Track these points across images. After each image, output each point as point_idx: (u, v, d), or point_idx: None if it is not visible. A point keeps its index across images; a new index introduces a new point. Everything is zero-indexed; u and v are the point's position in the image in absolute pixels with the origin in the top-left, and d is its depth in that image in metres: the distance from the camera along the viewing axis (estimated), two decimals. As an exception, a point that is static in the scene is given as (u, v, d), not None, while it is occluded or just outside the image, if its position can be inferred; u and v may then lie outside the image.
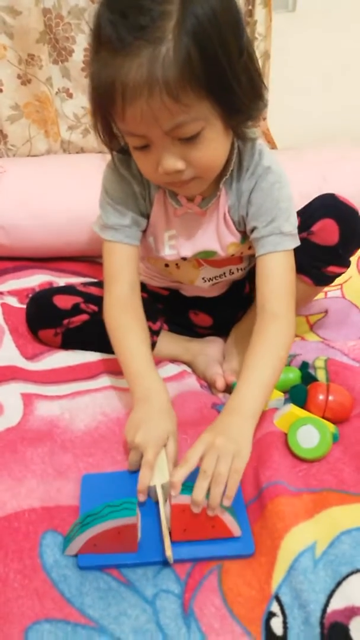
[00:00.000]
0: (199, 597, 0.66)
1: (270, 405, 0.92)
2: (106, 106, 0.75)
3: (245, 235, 0.95)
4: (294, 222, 0.91)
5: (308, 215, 0.98)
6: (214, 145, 0.78)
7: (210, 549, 0.70)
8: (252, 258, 1.03)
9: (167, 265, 1.03)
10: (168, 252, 0.97)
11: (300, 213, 0.99)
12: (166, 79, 0.69)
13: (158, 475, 0.77)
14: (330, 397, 0.89)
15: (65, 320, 1.04)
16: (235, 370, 1.02)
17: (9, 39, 1.37)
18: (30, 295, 1.13)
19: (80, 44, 1.41)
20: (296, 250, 0.94)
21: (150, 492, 0.75)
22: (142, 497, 0.75)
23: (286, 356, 0.87)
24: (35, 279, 1.30)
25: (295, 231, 0.91)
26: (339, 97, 1.64)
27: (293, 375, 0.97)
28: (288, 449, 0.83)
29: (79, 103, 1.49)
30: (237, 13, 0.75)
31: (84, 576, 0.67)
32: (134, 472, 0.79)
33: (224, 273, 1.03)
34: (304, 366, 0.99)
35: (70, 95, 1.48)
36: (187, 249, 0.96)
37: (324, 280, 1.03)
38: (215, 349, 1.09)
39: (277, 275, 0.89)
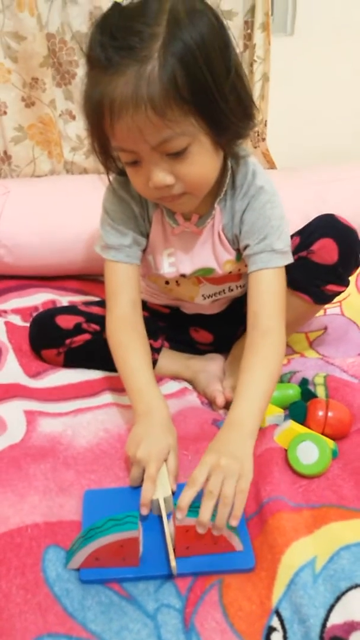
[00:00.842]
0: (200, 611, 0.66)
1: (270, 421, 0.93)
2: (98, 123, 0.78)
3: (240, 253, 0.97)
4: (285, 240, 0.92)
5: (307, 235, 1.00)
6: (202, 161, 0.81)
7: (211, 563, 0.71)
8: None
9: (167, 282, 1.04)
10: (167, 270, 0.99)
11: (299, 232, 1.01)
12: (151, 95, 0.72)
13: (160, 489, 0.78)
14: (330, 414, 0.90)
15: (68, 340, 1.05)
16: (235, 388, 1.03)
17: (14, 63, 1.41)
18: (32, 316, 1.15)
19: (84, 67, 1.43)
20: (296, 269, 0.96)
21: (153, 505, 0.76)
22: (145, 511, 0.76)
23: (279, 371, 0.89)
24: (38, 298, 1.32)
25: (287, 249, 0.93)
26: (337, 118, 1.67)
27: (293, 392, 0.98)
28: (288, 465, 0.84)
29: (82, 125, 1.48)
30: (226, 34, 0.78)
31: (86, 590, 0.68)
32: (136, 487, 0.80)
33: (223, 290, 1.05)
34: (304, 383, 1.00)
35: (73, 117, 1.51)
36: (186, 267, 0.98)
37: (324, 298, 1.05)
38: (215, 366, 1.10)
39: (268, 291, 0.91)
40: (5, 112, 1.46)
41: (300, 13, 1.53)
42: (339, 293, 1.05)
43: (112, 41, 0.73)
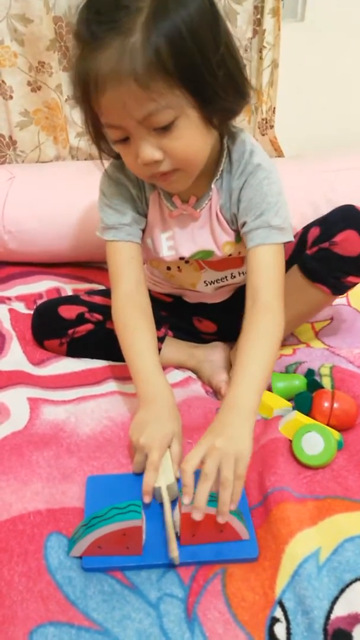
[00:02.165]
0: (203, 601, 0.66)
1: (275, 412, 0.92)
2: (85, 101, 0.78)
3: (239, 234, 0.95)
4: (283, 217, 0.90)
5: (329, 226, 0.98)
6: (190, 135, 0.79)
7: (214, 552, 0.70)
8: None
9: (169, 268, 1.04)
10: (166, 253, 0.98)
11: (319, 223, 1.00)
12: (134, 67, 0.72)
13: (163, 476, 0.77)
14: (335, 405, 0.89)
15: (70, 330, 1.05)
16: None
17: (20, 46, 1.39)
18: (36, 304, 1.14)
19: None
20: (315, 260, 0.97)
21: (155, 493, 0.75)
22: (147, 499, 0.75)
23: (278, 348, 0.86)
24: (43, 285, 1.31)
25: (286, 226, 0.90)
26: (347, 106, 1.65)
27: (299, 383, 0.97)
28: (293, 455, 0.83)
29: (88, 110, 1.50)
30: (215, 10, 0.78)
31: (88, 578, 0.68)
32: (139, 474, 0.80)
33: (225, 277, 1.04)
34: (310, 373, 0.99)
35: (79, 103, 1.50)
36: (185, 249, 0.97)
37: (342, 290, 1.03)
38: (220, 355, 1.09)
39: (266, 267, 0.89)
40: (11, 97, 1.44)
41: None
42: (356, 284, 1.03)
43: (96, 16, 0.72)
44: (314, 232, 1.00)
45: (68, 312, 1.06)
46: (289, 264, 1.01)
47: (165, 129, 0.77)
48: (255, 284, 0.88)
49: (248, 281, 0.89)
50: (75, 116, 1.51)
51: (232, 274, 1.04)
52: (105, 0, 0.73)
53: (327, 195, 1.37)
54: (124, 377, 1.00)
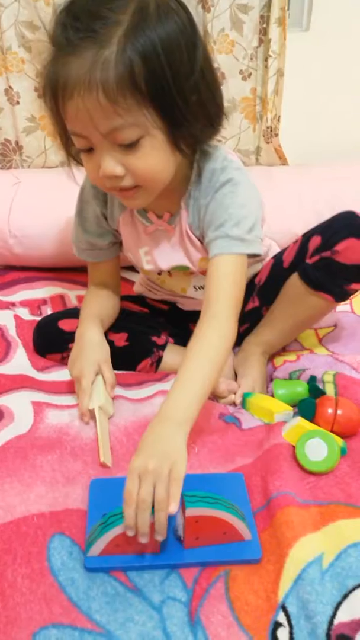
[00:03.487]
0: (206, 605, 0.66)
1: (278, 418, 0.92)
2: (52, 104, 0.77)
3: None
4: (246, 228, 0.88)
5: (330, 234, 0.97)
6: (154, 155, 0.79)
7: (217, 553, 0.70)
8: None
9: (159, 273, 1.05)
10: (146, 266, 1.01)
11: (319, 232, 0.99)
12: (104, 79, 0.71)
13: (95, 397, 0.90)
14: (339, 411, 0.89)
15: (71, 344, 1.03)
16: (250, 387, 1.02)
17: (27, 52, 1.40)
18: (39, 310, 1.17)
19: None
20: (317, 269, 0.97)
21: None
22: (85, 419, 0.89)
23: (220, 360, 0.84)
24: (47, 291, 1.32)
25: (248, 237, 0.88)
26: (352, 114, 1.65)
27: (301, 389, 0.98)
28: (296, 461, 0.83)
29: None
30: (196, 35, 0.77)
31: (91, 580, 0.68)
32: None
33: None
34: (312, 380, 0.99)
35: (85, 109, 1.51)
36: (163, 263, 1.00)
37: (345, 297, 1.03)
38: None
39: (221, 277, 0.87)
40: (17, 102, 1.45)
41: (316, 9, 1.51)
42: (355, 291, 1.03)
43: (74, 22, 0.72)
44: (315, 240, 0.99)
45: (68, 325, 1.07)
46: (288, 272, 1.02)
47: (129, 146, 0.77)
48: (208, 293, 0.87)
49: (205, 291, 0.89)
50: (82, 122, 1.52)
51: None
52: (85, 7, 0.73)
53: (331, 203, 1.37)
54: (127, 383, 1.01)
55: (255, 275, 1.10)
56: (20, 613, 0.64)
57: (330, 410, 0.89)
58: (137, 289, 1.20)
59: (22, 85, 1.44)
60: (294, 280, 1.01)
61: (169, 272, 1.03)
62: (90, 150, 0.79)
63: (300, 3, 1.54)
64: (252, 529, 0.73)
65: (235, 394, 1.01)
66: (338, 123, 1.65)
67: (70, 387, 0.99)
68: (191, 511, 0.68)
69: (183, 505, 0.69)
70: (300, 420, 0.88)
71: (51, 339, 1.08)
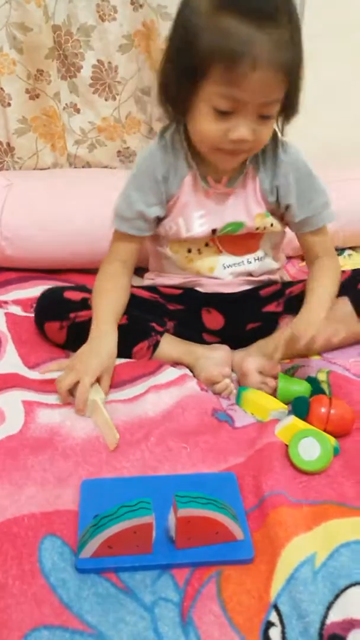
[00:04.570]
0: (198, 605, 0.65)
1: (272, 416, 0.92)
2: (221, 69, 0.83)
3: (269, 210, 1.05)
4: (329, 200, 1.07)
5: None
6: (272, 125, 0.93)
7: (209, 553, 0.70)
8: (267, 247, 1.12)
9: (189, 250, 1.08)
10: (198, 229, 1.05)
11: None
12: (287, 60, 0.84)
13: (95, 392, 0.93)
14: (332, 411, 0.89)
15: (72, 314, 1.05)
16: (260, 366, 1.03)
17: (19, 54, 1.40)
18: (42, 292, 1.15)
19: (89, 60, 1.43)
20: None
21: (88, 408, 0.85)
22: (80, 412, 0.92)
23: (338, 283, 1.07)
24: (39, 290, 1.30)
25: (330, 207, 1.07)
26: (346, 117, 1.65)
27: (299, 388, 0.97)
28: (289, 460, 0.83)
29: (86, 118, 1.50)
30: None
31: (82, 581, 0.67)
32: (134, 478, 0.81)
33: (242, 262, 1.10)
34: (313, 380, 0.99)
35: (77, 111, 1.50)
36: (217, 221, 1.04)
37: None
38: (220, 354, 1.07)
39: (321, 244, 1.10)
40: (9, 104, 1.44)
41: (308, 13, 1.51)
42: None
43: (260, 3, 0.81)
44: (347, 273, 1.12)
45: (73, 295, 1.08)
46: (339, 294, 1.09)
47: (265, 117, 0.88)
48: (316, 250, 1.10)
49: (306, 253, 1.12)
50: (74, 124, 1.51)
51: (248, 259, 1.10)
52: None
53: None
54: (119, 382, 1.00)
55: (286, 284, 1.17)
56: (11, 615, 0.64)
57: (323, 410, 0.89)
58: (147, 283, 1.20)
59: (13, 87, 1.43)
60: (341, 303, 1.08)
61: (199, 250, 1.08)
62: (226, 113, 0.87)
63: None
64: (245, 528, 0.73)
65: (230, 379, 1.03)
66: (334, 126, 1.64)
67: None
68: (183, 511, 0.68)
69: (175, 506, 0.69)
70: (293, 419, 0.88)
71: (54, 306, 1.08)
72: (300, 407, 0.91)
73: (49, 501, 0.77)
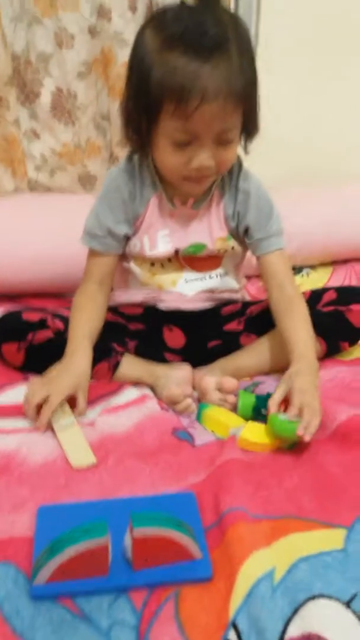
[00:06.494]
0: (155, 627, 0.64)
1: (232, 433, 0.92)
2: (172, 104, 0.85)
3: (231, 233, 1.08)
4: (280, 224, 1.08)
5: (349, 294, 1.14)
6: (235, 149, 0.95)
7: (167, 573, 0.68)
8: (228, 266, 1.13)
9: (152, 264, 1.09)
10: (162, 248, 1.06)
11: (337, 290, 1.15)
12: (236, 89, 0.85)
13: (60, 416, 0.93)
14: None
15: (30, 335, 1.04)
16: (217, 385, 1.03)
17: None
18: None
19: (48, 87, 1.44)
20: (327, 316, 1.10)
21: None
22: (41, 430, 0.91)
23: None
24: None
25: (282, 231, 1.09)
26: (303, 143, 1.68)
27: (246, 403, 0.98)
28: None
29: (47, 144, 1.51)
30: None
31: (37, 608, 0.65)
32: (91, 503, 0.79)
33: (204, 277, 1.11)
34: (268, 396, 0.98)
35: (37, 136, 1.51)
36: (181, 242, 1.06)
37: (335, 351, 1.14)
38: (181, 373, 1.07)
39: (285, 268, 1.09)
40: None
41: (262, 44, 1.54)
42: (344, 350, 1.15)
43: (204, 31, 0.82)
44: (331, 294, 1.14)
45: (32, 316, 1.08)
46: None
47: (224, 143, 0.90)
48: (279, 279, 1.08)
49: (269, 280, 1.08)
50: (34, 149, 1.52)
51: (209, 275, 1.11)
52: (206, 22, 0.83)
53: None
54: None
55: (247, 303, 1.19)
56: None
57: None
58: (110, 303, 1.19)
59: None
60: None
61: (162, 265, 1.09)
62: (184, 144, 0.89)
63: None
64: (203, 547, 0.71)
65: (191, 398, 1.02)
66: (289, 153, 1.67)
67: (17, 410, 0.96)
68: (139, 531, 0.67)
69: (130, 526, 0.68)
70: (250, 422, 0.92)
71: (11, 327, 1.07)
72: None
73: (3, 527, 0.75)
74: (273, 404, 0.91)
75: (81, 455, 0.87)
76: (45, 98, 1.46)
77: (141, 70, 0.88)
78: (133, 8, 1.39)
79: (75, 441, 0.89)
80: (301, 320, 1.03)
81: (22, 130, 1.49)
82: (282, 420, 0.88)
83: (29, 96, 1.46)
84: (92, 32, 1.40)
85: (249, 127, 0.95)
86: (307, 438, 0.85)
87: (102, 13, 1.37)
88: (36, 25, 1.38)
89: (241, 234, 1.09)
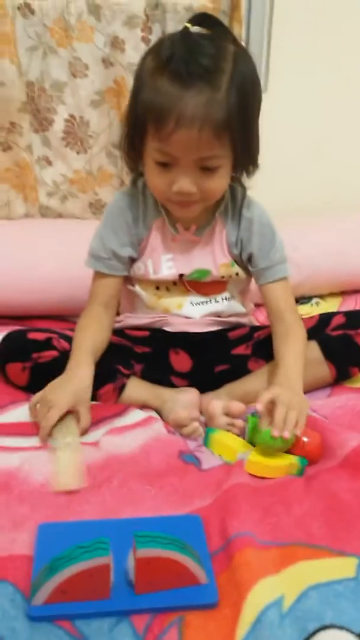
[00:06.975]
0: (158, 654, 0.61)
1: (239, 457, 0.90)
2: (152, 125, 0.88)
3: (235, 260, 1.08)
4: (284, 252, 1.08)
5: (356, 318, 1.12)
6: (223, 179, 0.94)
7: (170, 598, 0.66)
8: (234, 291, 1.13)
9: (157, 288, 1.09)
10: (166, 272, 1.06)
11: (345, 314, 1.14)
12: (217, 118, 0.85)
13: (60, 434, 0.91)
14: (305, 439, 0.91)
15: (35, 354, 1.02)
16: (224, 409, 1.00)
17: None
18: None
19: (61, 114, 1.47)
20: (338, 341, 1.09)
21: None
22: (42, 443, 0.90)
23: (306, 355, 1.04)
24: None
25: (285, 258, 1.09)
26: (310, 172, 1.70)
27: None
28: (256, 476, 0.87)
29: (58, 170, 1.53)
30: (260, 86, 0.93)
31: (34, 630, 0.62)
32: (93, 521, 0.77)
33: (210, 300, 1.11)
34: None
35: (49, 163, 1.53)
36: (185, 267, 1.07)
37: (344, 376, 1.12)
38: (188, 397, 1.05)
39: (287, 294, 1.09)
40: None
41: (273, 71, 1.58)
42: (355, 376, 1.12)
43: (193, 59, 0.84)
44: (339, 319, 1.12)
45: (38, 335, 1.07)
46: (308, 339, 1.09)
47: (208, 171, 0.90)
48: (278, 307, 1.07)
49: (271, 304, 1.08)
50: (46, 176, 1.53)
51: (215, 298, 1.11)
52: (199, 51, 0.85)
53: (290, 255, 1.39)
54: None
55: (255, 328, 1.18)
56: None
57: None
58: (115, 326, 1.18)
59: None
60: (310, 348, 1.08)
61: (167, 288, 1.09)
62: (166, 165, 0.90)
63: (258, 65, 1.60)
64: (209, 571, 0.69)
65: (198, 421, 1.00)
66: (301, 181, 1.69)
67: (21, 429, 0.95)
68: (142, 552, 0.64)
69: (134, 546, 0.65)
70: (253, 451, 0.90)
71: (16, 346, 1.05)
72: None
73: (3, 545, 0.72)
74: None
75: (68, 478, 0.84)
76: (59, 125, 1.48)
77: (135, 90, 0.92)
78: (146, 40, 1.42)
79: (67, 463, 0.86)
80: (293, 347, 1.03)
81: (34, 157, 1.51)
82: (261, 431, 0.89)
83: (42, 123, 1.49)
84: (106, 62, 1.43)
85: (243, 160, 0.94)
86: (286, 435, 0.86)
87: (116, 44, 1.40)
88: (51, 54, 1.41)
89: (245, 261, 1.09)
